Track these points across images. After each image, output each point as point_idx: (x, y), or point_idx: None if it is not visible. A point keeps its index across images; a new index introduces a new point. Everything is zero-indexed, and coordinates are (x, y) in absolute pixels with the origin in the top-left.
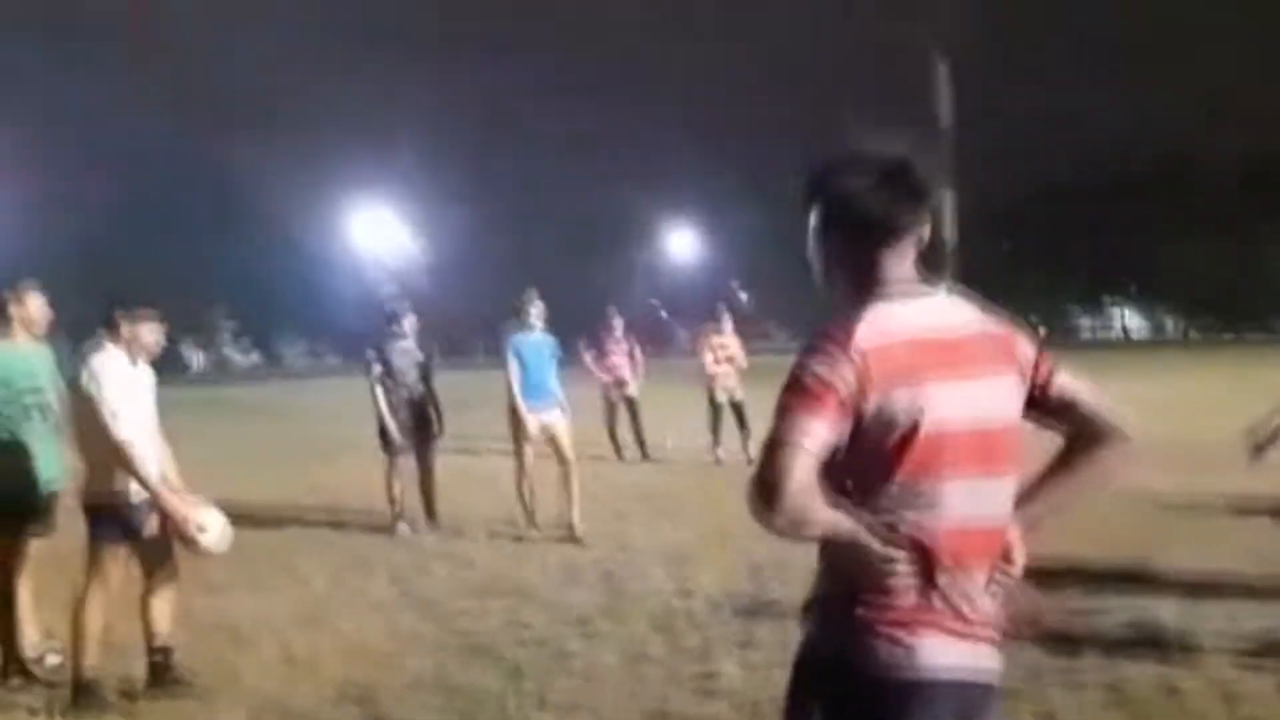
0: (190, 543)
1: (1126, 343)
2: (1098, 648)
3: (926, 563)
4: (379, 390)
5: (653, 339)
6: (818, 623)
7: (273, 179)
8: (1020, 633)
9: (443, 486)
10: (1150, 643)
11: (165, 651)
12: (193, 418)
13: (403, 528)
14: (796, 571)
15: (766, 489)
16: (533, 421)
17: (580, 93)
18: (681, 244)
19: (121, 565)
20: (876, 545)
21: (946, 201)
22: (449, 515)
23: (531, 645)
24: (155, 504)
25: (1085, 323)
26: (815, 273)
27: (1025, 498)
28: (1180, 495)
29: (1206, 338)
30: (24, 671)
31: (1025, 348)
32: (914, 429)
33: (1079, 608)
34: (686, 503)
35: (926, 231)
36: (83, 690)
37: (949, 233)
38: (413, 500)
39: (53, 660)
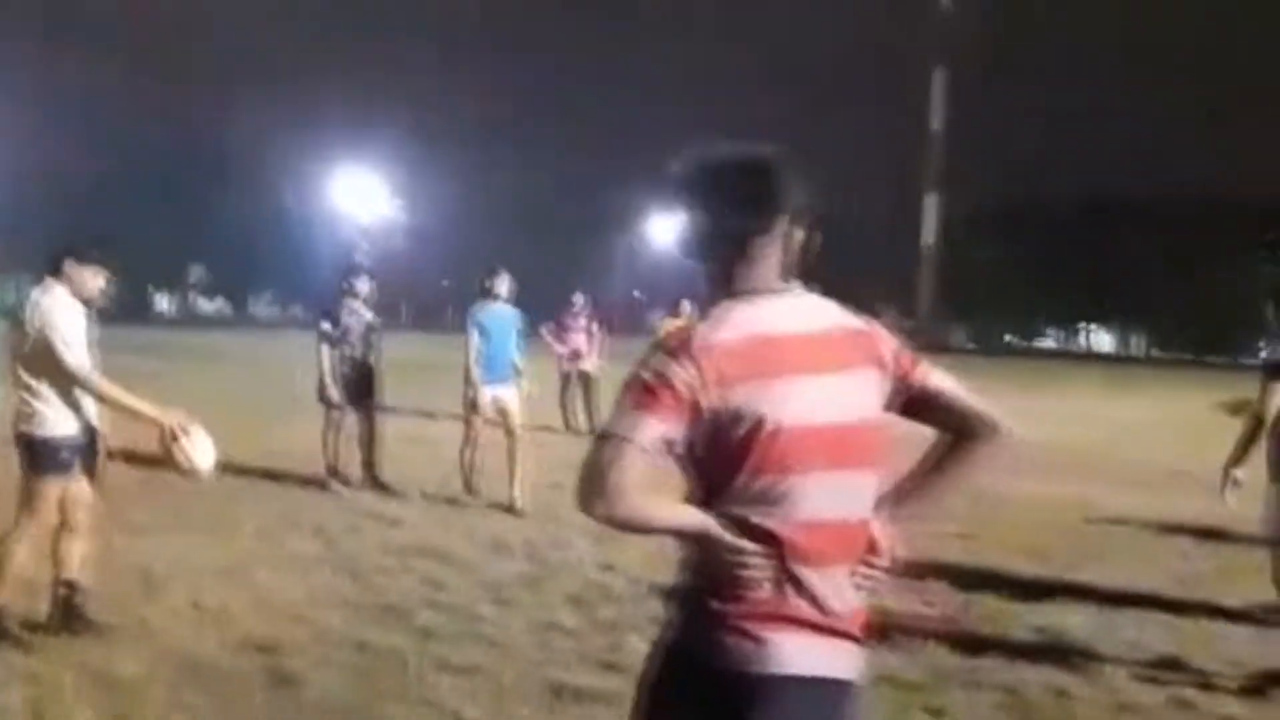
0: (175, 449)
1: (1089, 357)
2: (1001, 651)
3: (780, 557)
4: (324, 347)
5: (626, 321)
6: (675, 614)
7: (260, 137)
8: (925, 630)
9: (388, 448)
10: (1053, 650)
11: (71, 587)
12: (154, 362)
13: (335, 484)
14: None
15: (592, 482)
16: (485, 393)
17: (576, 77)
18: (665, 229)
19: (54, 501)
20: (726, 537)
21: (931, 205)
22: (388, 476)
23: (444, 609)
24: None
25: (1052, 334)
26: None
27: (897, 492)
28: (1112, 511)
29: (1169, 357)
30: None
31: (886, 344)
32: (759, 424)
33: (990, 611)
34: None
35: (796, 232)
36: None
37: (930, 236)
38: (352, 459)
39: None
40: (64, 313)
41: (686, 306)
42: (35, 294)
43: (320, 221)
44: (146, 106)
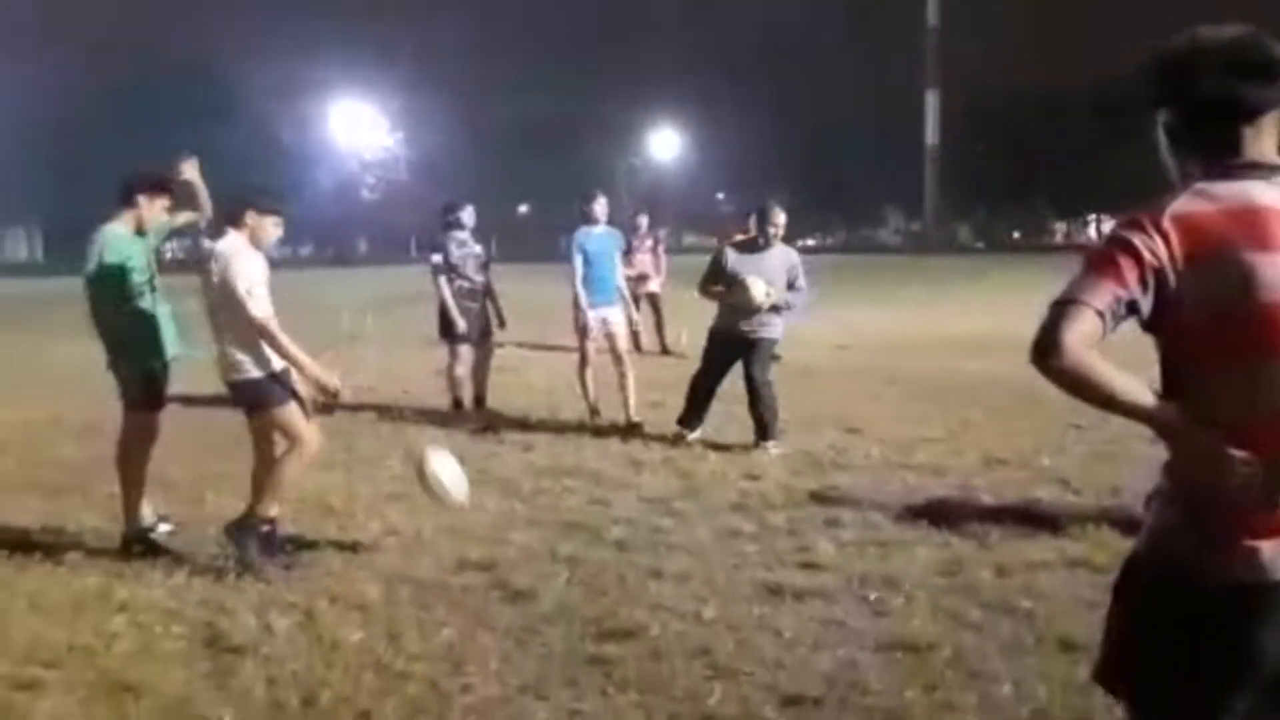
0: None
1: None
2: None
3: (1264, 456)
4: (441, 280)
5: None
6: (1150, 521)
7: (255, 70)
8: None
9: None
10: None
11: (273, 523)
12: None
13: (464, 415)
14: (855, 459)
15: (1044, 341)
16: (594, 317)
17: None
18: (665, 145)
19: (300, 422)
20: (1197, 433)
21: (932, 103)
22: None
23: (623, 523)
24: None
25: (1060, 227)
26: (1168, 168)
27: None
28: None
29: None
30: (146, 541)
31: None
32: (1236, 302)
33: None
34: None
35: None
36: (244, 528)
37: (932, 135)
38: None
39: (165, 528)
40: (246, 262)
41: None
42: (218, 247)
43: (320, 157)
44: (126, 36)
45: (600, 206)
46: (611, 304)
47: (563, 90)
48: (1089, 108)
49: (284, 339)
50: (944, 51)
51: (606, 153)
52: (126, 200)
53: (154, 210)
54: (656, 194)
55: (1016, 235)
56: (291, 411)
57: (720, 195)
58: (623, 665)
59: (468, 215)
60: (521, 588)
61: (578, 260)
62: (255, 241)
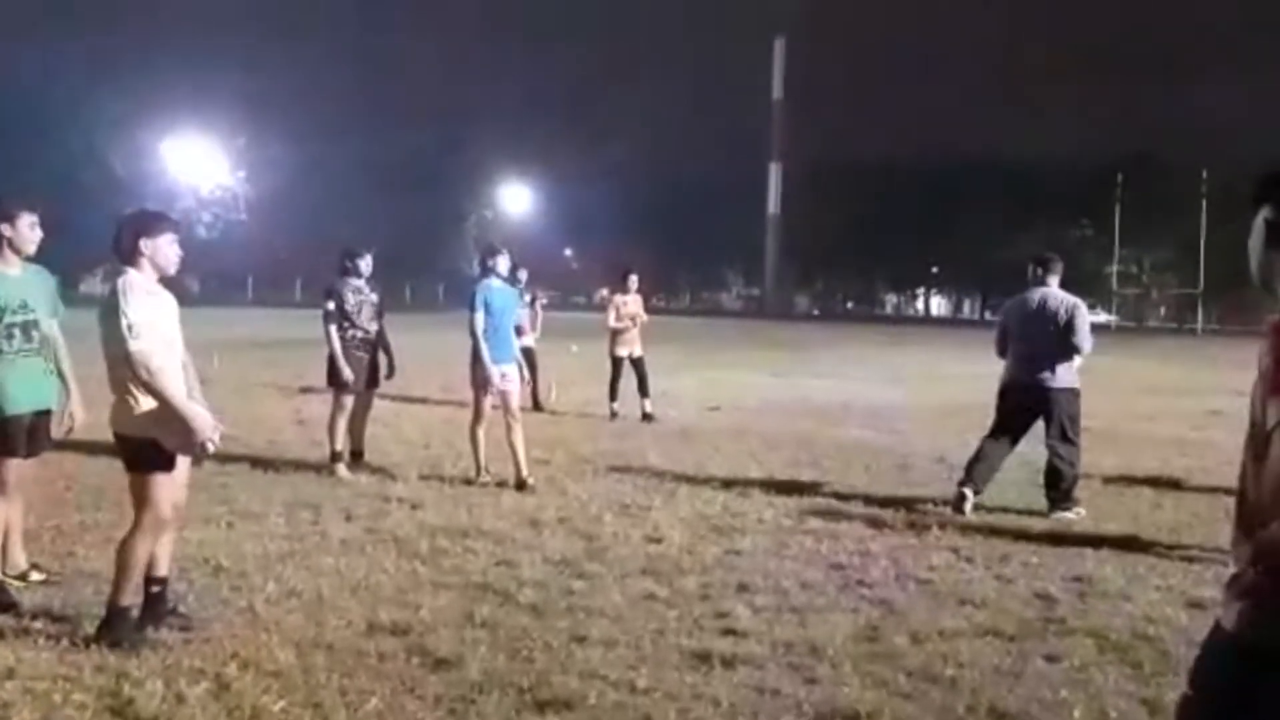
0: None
1: (927, 320)
2: (1069, 601)
3: None
4: (331, 328)
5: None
6: (1245, 603)
7: (91, 94)
8: None
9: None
10: (1106, 596)
11: (163, 584)
12: None
13: (342, 469)
14: (750, 522)
15: None
16: (495, 372)
17: (427, 34)
18: (516, 200)
19: (170, 493)
20: None
21: (775, 174)
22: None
23: (535, 586)
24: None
25: (891, 299)
26: (1254, 271)
27: None
28: None
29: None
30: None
31: None
32: None
33: (1029, 564)
34: (598, 453)
35: None
36: (116, 617)
37: (773, 204)
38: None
39: (35, 577)
40: (139, 296)
41: (634, 281)
42: (116, 283)
43: (154, 191)
44: None
45: (504, 261)
46: (510, 361)
47: (415, 138)
48: (927, 187)
49: (166, 381)
50: (789, 124)
51: (456, 202)
52: None
53: (21, 232)
54: (509, 246)
55: (850, 305)
56: (160, 483)
57: (568, 252)
58: None
59: (365, 263)
60: (443, 654)
61: (480, 314)
62: (157, 268)
